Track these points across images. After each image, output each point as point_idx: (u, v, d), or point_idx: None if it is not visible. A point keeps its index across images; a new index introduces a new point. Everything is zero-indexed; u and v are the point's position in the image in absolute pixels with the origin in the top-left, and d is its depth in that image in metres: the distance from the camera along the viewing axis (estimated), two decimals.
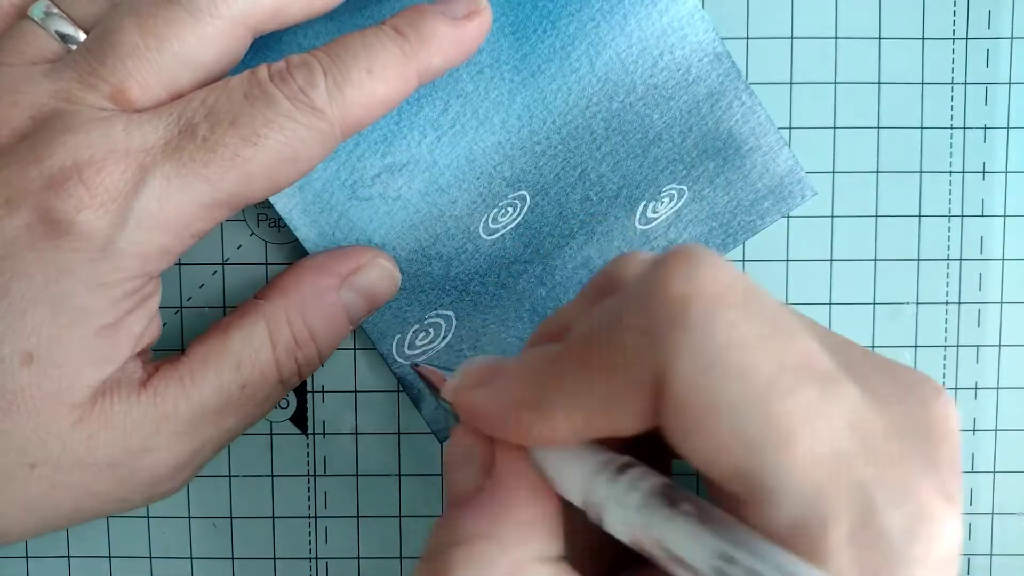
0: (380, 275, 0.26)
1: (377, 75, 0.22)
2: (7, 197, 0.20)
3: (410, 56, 0.23)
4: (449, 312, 0.27)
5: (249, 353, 0.24)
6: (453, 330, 0.28)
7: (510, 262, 0.27)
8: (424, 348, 0.28)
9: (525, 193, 0.27)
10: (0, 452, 0.21)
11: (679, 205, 0.27)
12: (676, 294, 0.16)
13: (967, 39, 0.28)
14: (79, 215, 0.20)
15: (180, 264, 0.28)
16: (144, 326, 0.22)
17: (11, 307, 0.20)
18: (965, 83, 0.28)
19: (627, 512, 0.17)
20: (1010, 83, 0.28)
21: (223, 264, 0.28)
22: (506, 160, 0.27)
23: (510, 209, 0.27)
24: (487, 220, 0.27)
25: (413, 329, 0.27)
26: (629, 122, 0.27)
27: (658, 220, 0.27)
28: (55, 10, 0.23)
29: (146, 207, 0.21)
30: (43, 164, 0.20)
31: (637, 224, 0.27)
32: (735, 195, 0.27)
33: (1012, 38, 0.28)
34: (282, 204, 0.26)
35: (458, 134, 0.26)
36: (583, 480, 0.18)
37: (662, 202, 0.27)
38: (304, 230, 0.26)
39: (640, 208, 0.27)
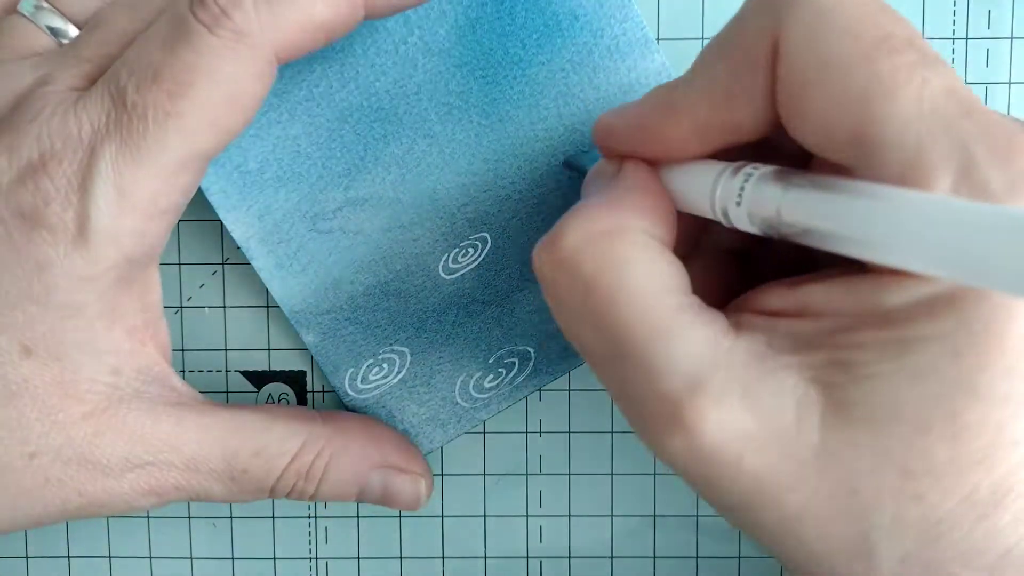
0: (410, 491, 0.27)
1: None
2: None
3: None
4: (404, 348, 0.27)
5: (273, 451, 0.24)
6: (408, 366, 0.28)
7: (468, 302, 0.27)
8: (378, 383, 0.28)
9: (487, 235, 0.27)
10: (1, 439, 0.21)
11: None
12: None
13: (967, 39, 0.28)
14: (47, 208, 0.20)
15: (180, 264, 0.28)
16: (143, 320, 0.23)
17: (2, 302, 0.21)
18: (965, 83, 0.28)
19: (743, 193, 0.18)
20: (1010, 83, 0.28)
21: (223, 264, 0.28)
22: (470, 201, 0.27)
23: (471, 250, 0.27)
24: (447, 259, 0.27)
25: (367, 363, 0.27)
26: None
27: None
28: (45, 5, 0.22)
29: (104, 191, 0.20)
30: (12, 156, 0.20)
31: None
32: None
33: (1012, 38, 0.28)
34: (240, 232, 0.26)
35: (423, 172, 0.26)
36: (708, 184, 0.19)
37: None
38: (260, 259, 0.26)
39: None
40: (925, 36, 0.27)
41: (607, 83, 0.26)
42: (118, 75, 0.20)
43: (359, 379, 0.28)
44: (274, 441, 0.24)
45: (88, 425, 0.22)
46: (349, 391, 0.28)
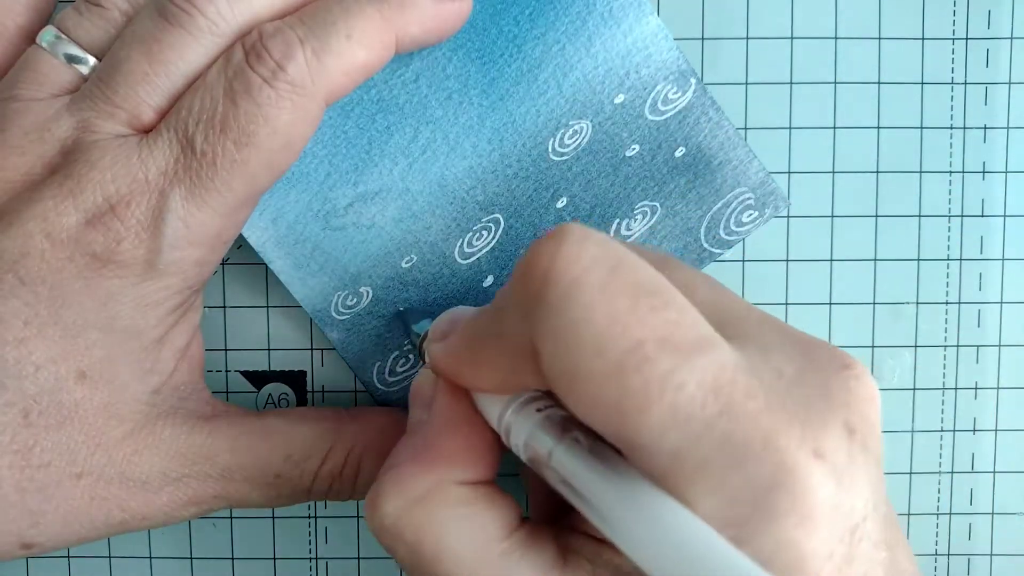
0: None
1: (357, 40, 0.22)
2: (47, 232, 0.22)
3: (389, 20, 0.23)
4: None
5: (303, 454, 0.25)
6: None
7: (487, 286, 0.27)
8: (406, 373, 0.28)
9: (499, 216, 0.27)
10: (52, 461, 0.22)
11: (653, 221, 0.27)
12: (539, 273, 0.17)
13: (967, 39, 0.28)
14: (118, 246, 0.22)
15: None
16: (187, 339, 0.24)
17: (65, 332, 0.22)
18: (965, 83, 0.28)
19: (522, 431, 0.19)
20: (1010, 83, 0.28)
21: (223, 264, 0.28)
22: (478, 184, 0.27)
23: (484, 233, 0.27)
24: (462, 244, 0.27)
25: (393, 355, 0.28)
26: (599, 142, 0.26)
27: (632, 237, 0.27)
28: (63, 36, 0.23)
29: (174, 229, 0.22)
30: (77, 201, 0.22)
31: None
32: (708, 209, 0.27)
33: (1012, 38, 0.28)
34: (255, 237, 0.26)
35: (429, 160, 0.26)
36: (500, 409, 0.20)
37: (635, 219, 0.27)
38: (279, 262, 0.27)
39: (614, 226, 0.27)
40: (925, 36, 0.28)
41: (604, 51, 0.26)
42: (185, 123, 0.22)
43: (387, 372, 0.28)
44: (303, 444, 0.25)
45: (128, 445, 0.23)
46: (379, 385, 0.28)
